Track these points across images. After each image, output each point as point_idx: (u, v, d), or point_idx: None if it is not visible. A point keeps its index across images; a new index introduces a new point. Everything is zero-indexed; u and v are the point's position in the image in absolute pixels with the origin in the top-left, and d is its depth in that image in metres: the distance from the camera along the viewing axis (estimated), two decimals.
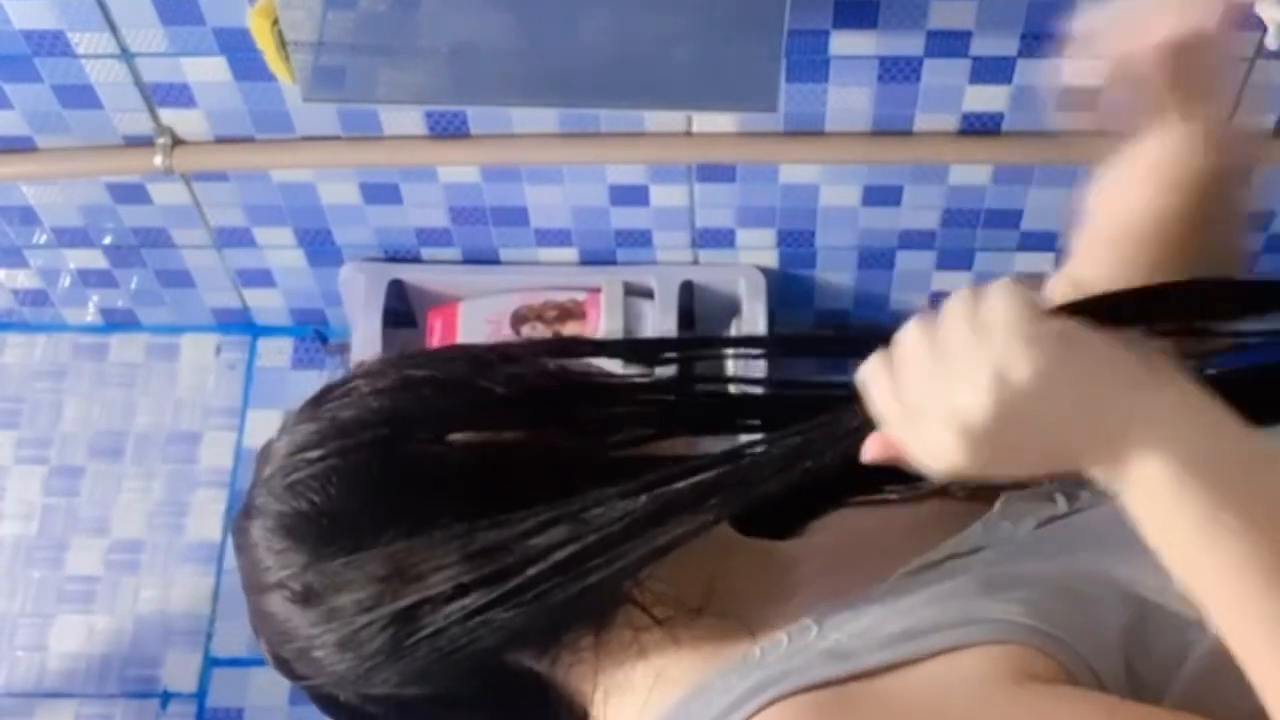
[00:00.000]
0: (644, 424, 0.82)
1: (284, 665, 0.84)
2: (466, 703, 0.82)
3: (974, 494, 0.86)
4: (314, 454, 0.79)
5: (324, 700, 0.84)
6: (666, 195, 1.92)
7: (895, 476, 0.80)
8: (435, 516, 0.77)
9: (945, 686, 0.70)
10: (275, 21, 1.51)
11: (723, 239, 1.99)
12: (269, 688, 1.99)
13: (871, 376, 0.70)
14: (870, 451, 0.72)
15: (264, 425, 2.14)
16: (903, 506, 0.87)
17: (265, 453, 0.84)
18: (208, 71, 1.75)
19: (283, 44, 1.53)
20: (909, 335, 0.69)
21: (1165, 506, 0.66)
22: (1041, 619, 0.72)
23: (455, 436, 0.80)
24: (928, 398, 0.67)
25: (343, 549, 0.78)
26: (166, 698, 2.00)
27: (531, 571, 0.75)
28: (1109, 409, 0.66)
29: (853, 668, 0.72)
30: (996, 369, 0.65)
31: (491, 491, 0.78)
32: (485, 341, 0.89)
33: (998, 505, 0.84)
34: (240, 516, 0.84)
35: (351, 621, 0.78)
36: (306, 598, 0.79)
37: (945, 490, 0.86)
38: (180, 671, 2.01)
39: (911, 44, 1.67)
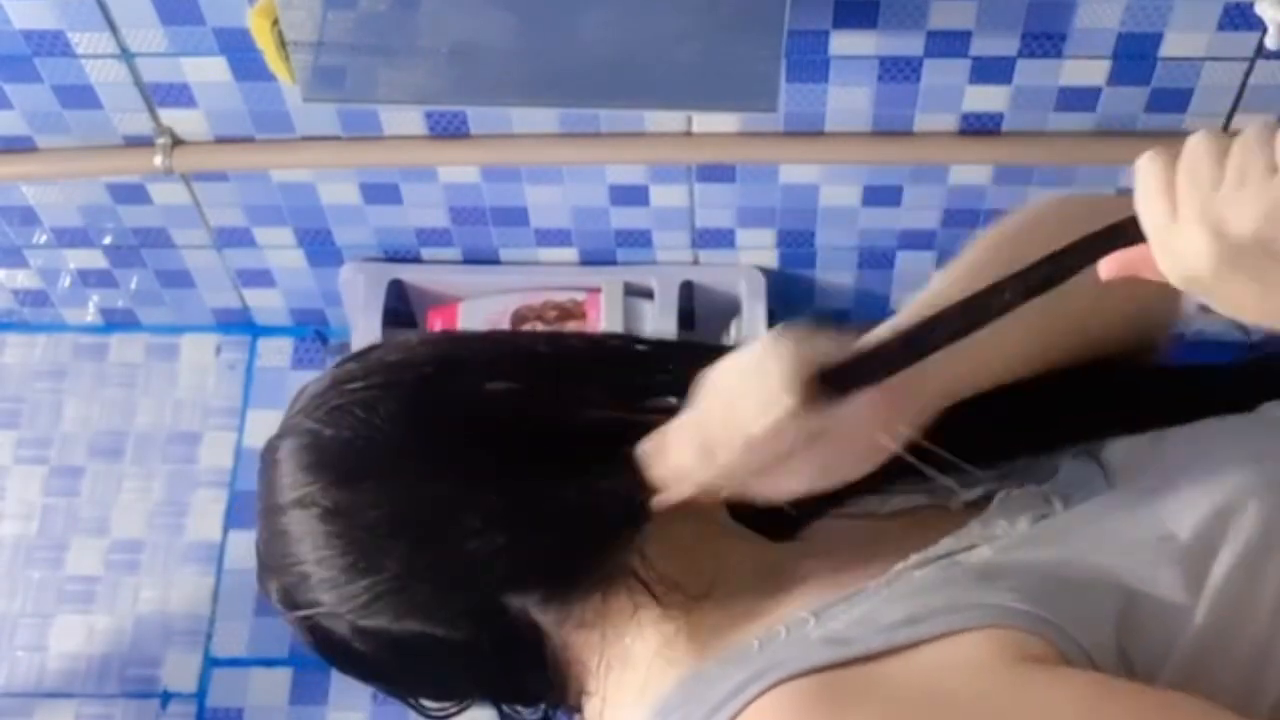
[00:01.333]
0: (676, 392, 0.83)
1: (284, 595, 0.85)
2: (461, 645, 0.83)
3: (969, 507, 0.86)
4: (357, 385, 0.83)
5: (315, 634, 0.86)
6: (666, 195, 1.92)
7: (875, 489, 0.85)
8: (468, 456, 0.80)
9: (942, 669, 0.71)
10: (275, 21, 1.51)
11: (723, 239, 1.99)
12: (269, 688, 1.99)
13: (1149, 165, 0.70)
14: (1108, 268, 0.72)
15: (264, 425, 2.14)
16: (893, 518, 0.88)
17: (303, 390, 0.87)
18: (208, 71, 1.75)
19: (283, 44, 1.53)
20: (1200, 141, 0.68)
21: None
22: (1037, 604, 0.73)
23: (495, 385, 0.83)
24: (1202, 200, 0.66)
25: (373, 474, 0.80)
26: (166, 698, 2.00)
27: (549, 520, 0.78)
28: None
29: (850, 652, 0.72)
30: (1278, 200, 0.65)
31: (523, 442, 0.81)
32: None
33: (994, 504, 0.84)
34: (273, 437, 0.86)
35: (368, 544, 0.80)
36: (328, 516, 0.80)
37: (943, 506, 0.87)
38: (180, 671, 2.01)
39: (911, 44, 1.67)
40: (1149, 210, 0.69)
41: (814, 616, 0.77)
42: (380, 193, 1.93)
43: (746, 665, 0.75)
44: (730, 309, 2.04)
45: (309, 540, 0.82)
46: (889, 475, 0.84)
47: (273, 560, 0.85)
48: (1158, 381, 0.91)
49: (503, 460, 0.80)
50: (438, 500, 0.79)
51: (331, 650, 0.86)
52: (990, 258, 0.84)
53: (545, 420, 0.83)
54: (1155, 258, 0.69)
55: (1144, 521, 0.79)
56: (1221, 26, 1.65)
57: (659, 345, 0.92)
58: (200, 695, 2.00)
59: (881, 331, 0.79)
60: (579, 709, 0.86)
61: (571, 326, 2.02)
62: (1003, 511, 0.84)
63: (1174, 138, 1.91)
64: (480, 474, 0.80)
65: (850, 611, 0.76)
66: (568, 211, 1.95)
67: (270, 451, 0.86)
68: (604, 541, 0.80)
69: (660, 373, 0.86)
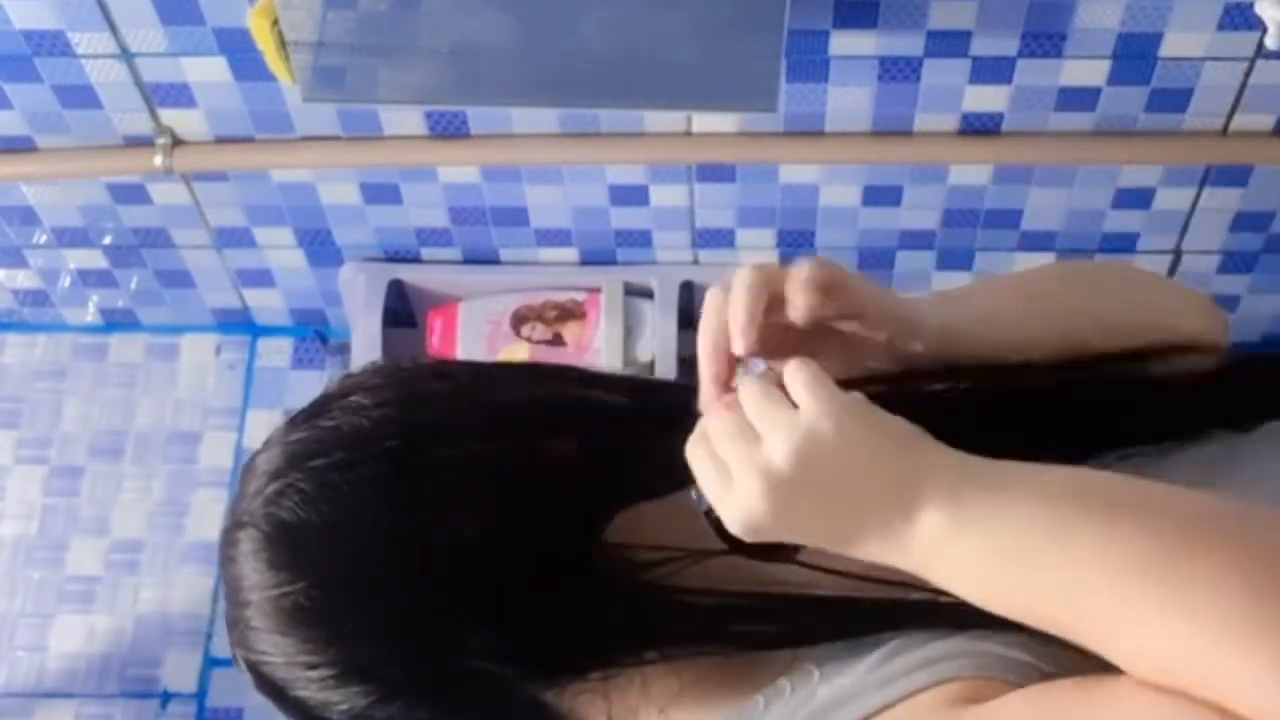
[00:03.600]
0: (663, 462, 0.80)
1: (258, 678, 0.82)
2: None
3: None
4: (318, 462, 0.76)
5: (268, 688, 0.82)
6: (666, 195, 1.92)
7: None
8: (447, 539, 0.76)
9: None
10: (275, 21, 1.51)
11: (723, 239, 1.99)
12: None
13: (691, 448, 0.74)
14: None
15: (264, 425, 2.14)
16: None
17: (253, 466, 0.80)
18: (208, 71, 1.75)
19: (283, 44, 1.53)
20: (712, 411, 0.74)
21: (969, 543, 0.69)
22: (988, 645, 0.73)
23: (468, 447, 0.78)
24: (738, 451, 0.71)
25: (350, 574, 0.76)
26: (166, 698, 2.00)
27: (549, 610, 0.76)
28: (900, 458, 0.70)
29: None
30: (798, 423, 0.70)
31: (510, 507, 0.77)
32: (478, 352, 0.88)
33: None
34: (227, 528, 0.80)
35: (352, 654, 0.76)
36: (303, 618, 0.77)
37: None
38: (180, 671, 2.01)
39: (911, 44, 1.67)
40: (705, 482, 0.73)
41: (818, 669, 0.76)
42: (380, 193, 1.93)
43: None
44: None
45: (282, 644, 0.79)
46: None
47: (245, 652, 0.83)
48: (1154, 395, 0.90)
49: (480, 538, 0.76)
50: (415, 606, 0.75)
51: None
52: (1045, 290, 0.86)
53: (532, 481, 0.78)
54: (727, 520, 0.72)
55: None
56: (1221, 26, 1.65)
57: (635, 391, 0.86)
58: (200, 695, 2.00)
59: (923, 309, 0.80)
60: None
61: (571, 326, 2.02)
62: None
63: (1174, 138, 1.91)
64: (457, 563, 0.75)
65: (853, 663, 0.75)
66: (568, 211, 1.95)
67: (229, 546, 0.80)
68: (614, 628, 0.78)
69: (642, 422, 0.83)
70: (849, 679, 0.74)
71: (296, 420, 0.80)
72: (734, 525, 0.72)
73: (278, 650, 0.79)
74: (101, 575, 2.07)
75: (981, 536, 0.69)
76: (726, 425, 0.72)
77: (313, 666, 0.77)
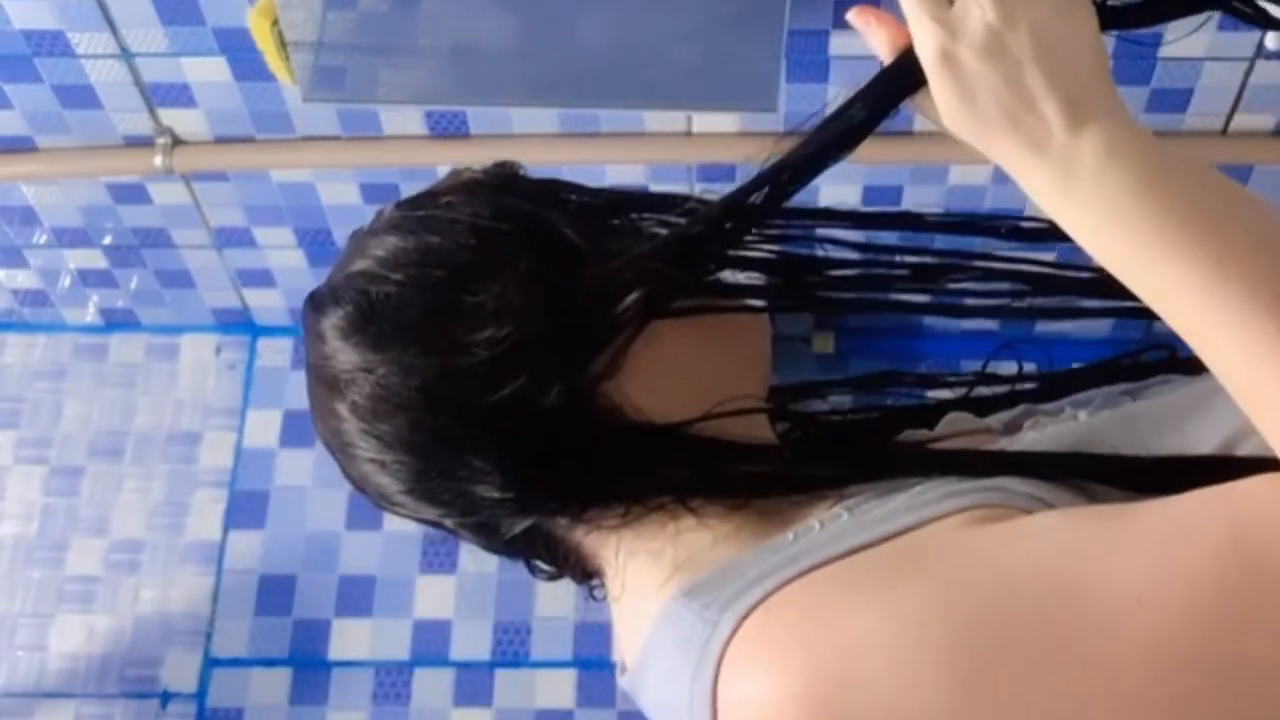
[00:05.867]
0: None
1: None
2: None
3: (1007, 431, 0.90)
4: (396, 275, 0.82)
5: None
6: None
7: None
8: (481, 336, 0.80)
9: (906, 549, 0.74)
10: (275, 21, 1.51)
11: None
12: (269, 688, 1.99)
13: None
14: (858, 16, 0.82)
15: (264, 425, 2.15)
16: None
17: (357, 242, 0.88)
18: (208, 71, 1.75)
19: (283, 44, 1.53)
20: None
21: (1128, 163, 0.73)
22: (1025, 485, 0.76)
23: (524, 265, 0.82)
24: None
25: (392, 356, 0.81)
26: (166, 698, 2.00)
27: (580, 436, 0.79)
28: (1087, 71, 0.78)
29: (868, 537, 0.74)
30: None
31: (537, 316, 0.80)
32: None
33: (1025, 424, 0.88)
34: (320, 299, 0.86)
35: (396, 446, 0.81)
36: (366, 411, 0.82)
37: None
38: (180, 671, 2.01)
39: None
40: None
41: (847, 511, 0.78)
42: (380, 193, 1.93)
43: (780, 552, 0.76)
44: None
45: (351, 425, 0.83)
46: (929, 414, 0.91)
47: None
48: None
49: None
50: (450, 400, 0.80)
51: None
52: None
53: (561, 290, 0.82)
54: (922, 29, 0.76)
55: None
56: (1221, 26, 1.65)
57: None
58: (200, 695, 2.00)
59: None
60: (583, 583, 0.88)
61: None
62: (1033, 427, 0.88)
63: (1174, 138, 1.91)
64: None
65: (883, 505, 0.77)
66: None
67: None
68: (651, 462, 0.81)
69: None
70: (873, 516, 0.76)
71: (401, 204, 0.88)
72: (930, 49, 0.75)
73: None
74: (101, 575, 2.07)
75: (1141, 166, 0.73)
76: None
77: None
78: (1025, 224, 0.91)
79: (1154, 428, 0.81)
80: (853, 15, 0.83)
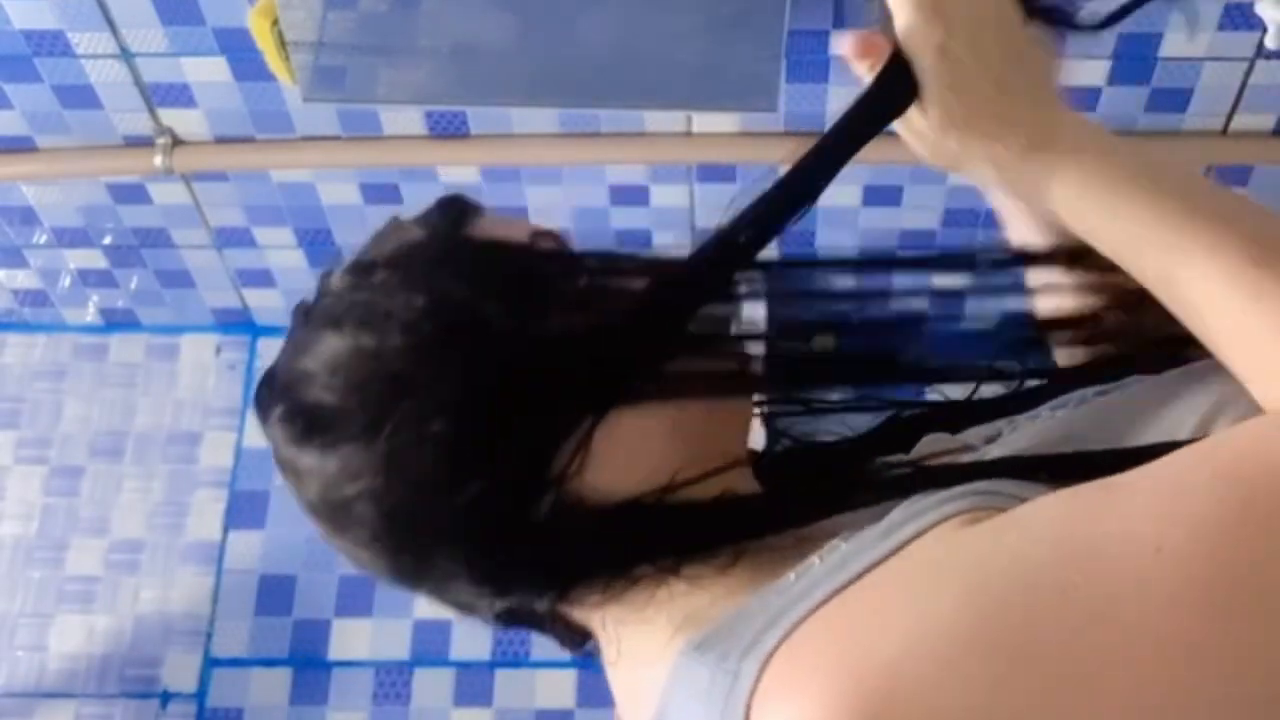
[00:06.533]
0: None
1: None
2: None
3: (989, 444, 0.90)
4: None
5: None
6: (666, 195, 1.92)
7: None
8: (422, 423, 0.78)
9: (913, 562, 0.73)
10: (275, 21, 1.51)
11: None
12: (269, 688, 1.99)
13: None
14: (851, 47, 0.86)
15: None
16: None
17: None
18: (208, 71, 1.75)
19: (283, 44, 1.53)
20: None
21: (1097, 165, 0.81)
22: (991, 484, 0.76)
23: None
24: None
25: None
26: (166, 698, 2.00)
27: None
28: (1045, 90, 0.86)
29: (849, 573, 0.73)
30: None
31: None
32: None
33: (1004, 431, 0.89)
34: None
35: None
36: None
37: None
38: (180, 671, 2.01)
39: None
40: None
41: (843, 541, 0.76)
42: (380, 193, 1.93)
43: (786, 593, 0.74)
44: None
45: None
46: (915, 428, 0.91)
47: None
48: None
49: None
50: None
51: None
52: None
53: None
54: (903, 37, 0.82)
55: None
56: (1221, 26, 1.65)
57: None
58: (200, 695, 2.00)
59: None
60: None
61: None
62: (1011, 430, 0.89)
63: (1174, 138, 1.91)
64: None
65: (877, 525, 0.76)
66: (568, 211, 1.95)
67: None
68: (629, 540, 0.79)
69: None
70: (871, 534, 0.75)
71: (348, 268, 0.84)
72: (931, 41, 0.81)
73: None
74: (101, 575, 2.07)
75: (1125, 159, 0.80)
76: None
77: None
78: (1001, 256, 0.95)
79: (1129, 419, 0.82)
80: (848, 47, 0.87)
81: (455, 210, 0.89)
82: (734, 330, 0.84)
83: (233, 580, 2.05)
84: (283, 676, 2.00)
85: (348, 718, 1.98)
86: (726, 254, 0.85)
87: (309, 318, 0.83)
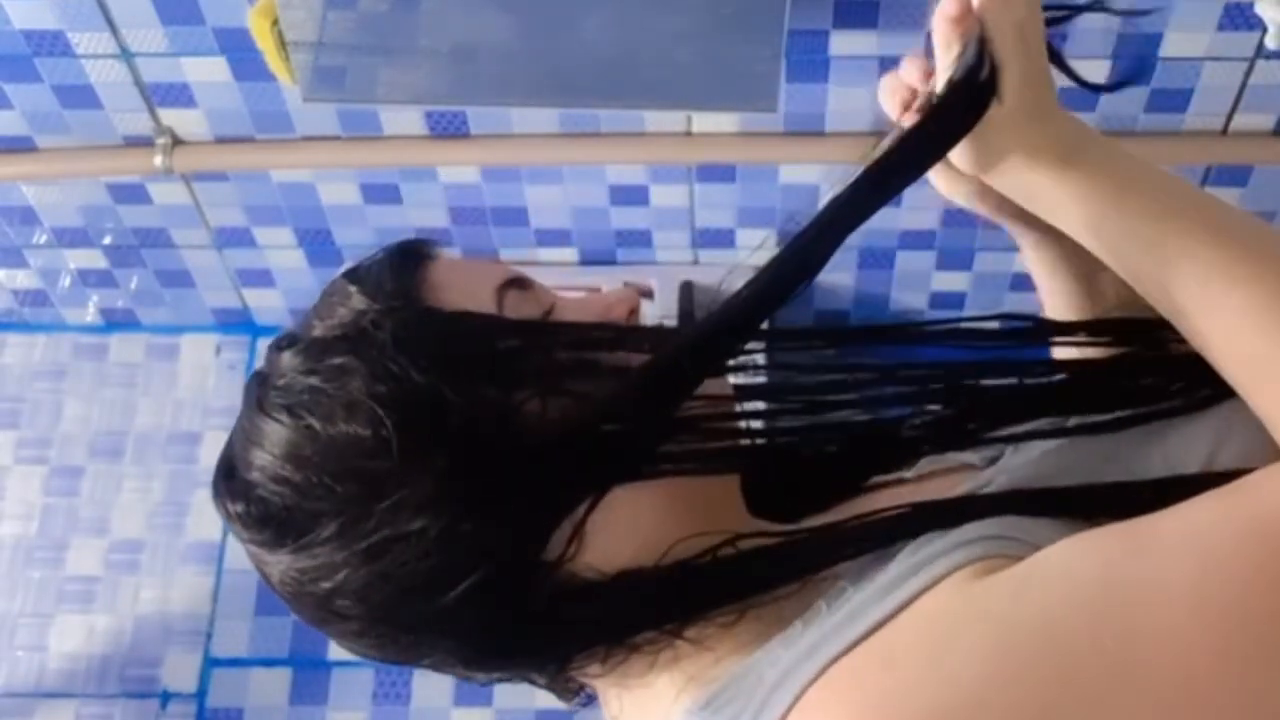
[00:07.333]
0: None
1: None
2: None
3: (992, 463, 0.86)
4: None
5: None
6: (666, 195, 1.92)
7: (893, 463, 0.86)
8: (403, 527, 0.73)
9: (928, 618, 0.70)
10: (275, 21, 1.51)
11: (723, 239, 1.99)
12: (269, 688, 1.99)
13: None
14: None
15: None
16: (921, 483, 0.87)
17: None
18: (208, 71, 1.75)
19: (283, 44, 1.53)
20: None
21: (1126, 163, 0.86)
22: (997, 526, 0.73)
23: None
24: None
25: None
26: (166, 698, 2.00)
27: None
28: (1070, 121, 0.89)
29: (862, 628, 0.70)
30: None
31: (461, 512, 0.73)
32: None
33: (1006, 454, 0.86)
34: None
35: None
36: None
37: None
38: (180, 671, 2.01)
39: (911, 44, 1.67)
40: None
41: (850, 584, 0.73)
42: (380, 193, 1.93)
43: (794, 646, 0.71)
44: None
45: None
46: (912, 447, 0.86)
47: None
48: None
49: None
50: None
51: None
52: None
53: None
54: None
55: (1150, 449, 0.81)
56: (1221, 26, 1.65)
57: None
58: (200, 695, 2.00)
59: None
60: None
61: None
62: (1014, 453, 0.85)
63: (1174, 138, 1.91)
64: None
65: (885, 569, 0.73)
66: (568, 211, 1.95)
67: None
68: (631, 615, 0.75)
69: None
70: (880, 579, 0.72)
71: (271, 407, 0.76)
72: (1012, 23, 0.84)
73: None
74: (101, 575, 2.07)
75: (1131, 166, 0.86)
76: None
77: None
78: (1015, 325, 0.91)
79: (1131, 445, 0.80)
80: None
81: (408, 267, 0.79)
82: (735, 406, 0.79)
83: (233, 580, 2.05)
84: (283, 676, 2.00)
85: (348, 718, 1.98)
86: (739, 321, 0.79)
87: (261, 405, 0.76)
